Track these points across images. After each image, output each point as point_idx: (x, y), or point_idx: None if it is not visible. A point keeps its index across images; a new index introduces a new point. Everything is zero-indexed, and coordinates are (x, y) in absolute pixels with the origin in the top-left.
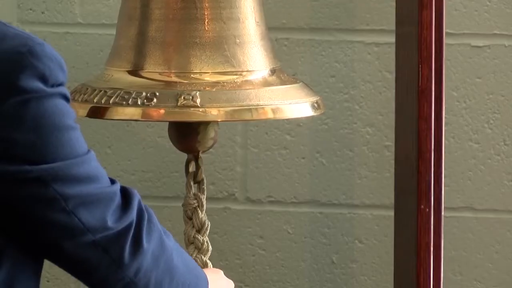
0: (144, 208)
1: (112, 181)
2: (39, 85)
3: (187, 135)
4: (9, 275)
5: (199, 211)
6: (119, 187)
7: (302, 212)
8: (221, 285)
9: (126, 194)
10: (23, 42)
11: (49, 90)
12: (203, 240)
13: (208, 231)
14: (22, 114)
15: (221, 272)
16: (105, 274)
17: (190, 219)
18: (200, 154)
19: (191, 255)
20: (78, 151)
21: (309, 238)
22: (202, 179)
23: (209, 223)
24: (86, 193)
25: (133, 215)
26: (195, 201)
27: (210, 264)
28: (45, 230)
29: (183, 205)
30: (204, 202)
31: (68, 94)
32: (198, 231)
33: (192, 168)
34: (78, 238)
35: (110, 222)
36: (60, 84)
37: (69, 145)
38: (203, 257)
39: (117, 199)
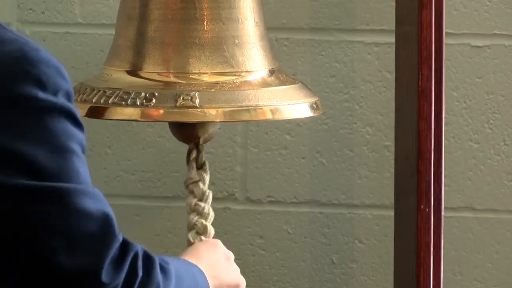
0: (139, 267)
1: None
2: (36, 91)
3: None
4: None
5: (201, 184)
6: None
7: (302, 212)
8: (219, 261)
9: (124, 249)
10: (18, 47)
11: (51, 98)
12: (203, 205)
13: (210, 199)
14: (20, 122)
15: (219, 243)
16: None
17: (192, 192)
18: (201, 141)
19: (192, 219)
20: (80, 177)
21: (309, 238)
22: (204, 162)
23: (210, 192)
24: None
25: (121, 277)
26: (197, 176)
27: (211, 229)
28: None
29: (184, 182)
30: (207, 179)
31: (72, 109)
32: (200, 199)
33: (193, 155)
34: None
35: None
36: (61, 90)
37: (71, 168)
38: (203, 221)
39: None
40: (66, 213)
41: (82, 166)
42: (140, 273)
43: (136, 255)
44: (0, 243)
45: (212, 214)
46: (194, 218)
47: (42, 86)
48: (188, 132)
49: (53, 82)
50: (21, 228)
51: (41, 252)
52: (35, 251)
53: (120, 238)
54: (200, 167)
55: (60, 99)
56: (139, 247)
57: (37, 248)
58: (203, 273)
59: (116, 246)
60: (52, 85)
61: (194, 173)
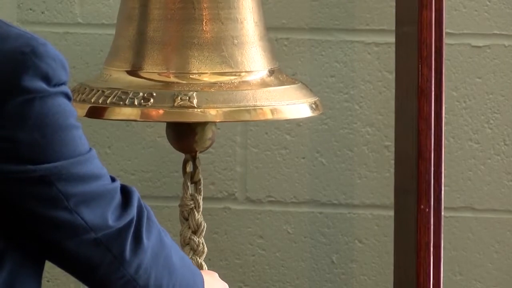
0: (143, 206)
1: (113, 179)
2: (42, 85)
3: (184, 135)
4: (11, 276)
5: (196, 212)
6: (119, 185)
7: (302, 212)
8: (216, 283)
9: (125, 192)
10: (26, 42)
11: (52, 89)
12: (198, 241)
13: (204, 232)
14: (26, 114)
15: (216, 274)
16: (106, 272)
17: (187, 220)
18: (198, 154)
19: (187, 255)
20: (80, 149)
21: (309, 238)
22: (199, 180)
23: (205, 224)
24: (88, 191)
25: (133, 212)
26: (191, 202)
27: (205, 266)
28: (48, 229)
29: (179, 205)
30: (201, 203)
31: (70, 93)
32: (194, 232)
33: (189, 168)
34: (81, 237)
35: (111, 220)
36: (63, 84)
37: (71, 144)
38: (198, 258)
39: (118, 196)
40: (70, 181)
41: (81, 135)
42: (146, 207)
43: (135, 195)
44: (9, 214)
45: (205, 250)
46: (189, 254)
47: (48, 79)
48: (185, 145)
49: (57, 75)
50: (33, 204)
51: (58, 209)
52: (53, 208)
53: (118, 185)
54: (195, 183)
55: (61, 88)
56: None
57: (54, 206)
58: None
59: (118, 193)
60: (56, 78)
61: (188, 197)
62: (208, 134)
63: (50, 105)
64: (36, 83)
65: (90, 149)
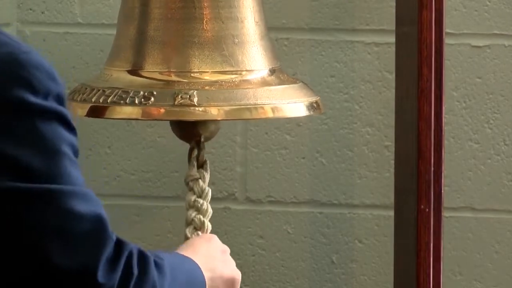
0: (134, 265)
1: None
2: (27, 95)
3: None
4: None
5: (201, 181)
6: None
7: (302, 212)
8: (214, 254)
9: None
10: (9, 51)
11: (41, 102)
12: (202, 202)
13: (209, 197)
14: (11, 126)
15: (215, 237)
16: None
17: (191, 189)
18: (202, 139)
19: (190, 215)
20: (72, 179)
21: (309, 238)
22: (205, 161)
23: (210, 190)
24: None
25: (115, 277)
26: (197, 173)
27: (209, 225)
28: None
29: (185, 178)
30: (207, 177)
31: (64, 112)
32: (199, 196)
33: (195, 153)
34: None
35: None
36: (52, 94)
37: (62, 170)
38: (201, 217)
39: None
40: (58, 214)
41: (73, 168)
42: (136, 272)
43: (130, 254)
44: None
45: (210, 211)
46: (192, 214)
47: (33, 89)
48: (189, 130)
49: (43, 86)
50: (14, 231)
51: (36, 253)
52: (30, 252)
53: (114, 238)
54: (201, 165)
55: (51, 103)
56: (133, 245)
57: (31, 249)
58: (199, 266)
59: (110, 245)
60: (42, 88)
61: (194, 171)
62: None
63: (40, 126)
64: (20, 94)
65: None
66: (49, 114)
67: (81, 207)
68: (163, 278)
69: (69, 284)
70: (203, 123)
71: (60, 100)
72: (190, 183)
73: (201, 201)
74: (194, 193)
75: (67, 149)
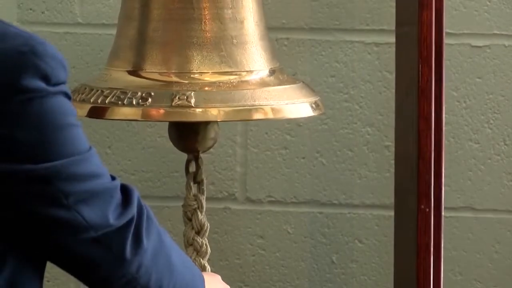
0: (143, 205)
1: (113, 178)
2: (41, 84)
3: (187, 135)
4: (12, 277)
5: (199, 213)
6: (119, 184)
7: (302, 212)
8: (216, 285)
9: (126, 191)
10: (24, 41)
11: (52, 89)
12: (202, 242)
13: (207, 233)
14: (25, 113)
15: (218, 276)
16: (107, 271)
17: (190, 220)
18: (200, 154)
19: (190, 257)
20: (80, 148)
21: (309, 238)
22: (202, 180)
23: (208, 225)
24: (87, 189)
25: (133, 211)
26: (194, 203)
27: (208, 267)
28: (48, 228)
29: (183, 206)
30: (204, 203)
31: (69, 92)
32: (198, 233)
33: (192, 168)
34: (81, 235)
35: (111, 218)
36: (62, 83)
37: (71, 143)
38: (201, 260)
39: (118, 195)
40: (70, 180)
41: (81, 134)
42: (146, 206)
43: (135, 193)
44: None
45: (209, 252)
46: (193, 255)
47: (47, 79)
48: (187, 145)
49: (56, 75)
50: (32, 201)
51: (59, 208)
52: (55, 207)
53: (118, 183)
54: (198, 183)
55: (60, 87)
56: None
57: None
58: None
59: (118, 191)
60: (55, 77)
61: (191, 198)
62: (211, 134)
63: (49, 104)
64: (35, 82)
65: (90, 147)
66: (58, 94)
67: (85, 169)
68: (165, 234)
69: (88, 231)
70: (202, 136)
71: (66, 86)
72: (188, 214)
73: (200, 240)
74: (193, 228)
75: (73, 119)
